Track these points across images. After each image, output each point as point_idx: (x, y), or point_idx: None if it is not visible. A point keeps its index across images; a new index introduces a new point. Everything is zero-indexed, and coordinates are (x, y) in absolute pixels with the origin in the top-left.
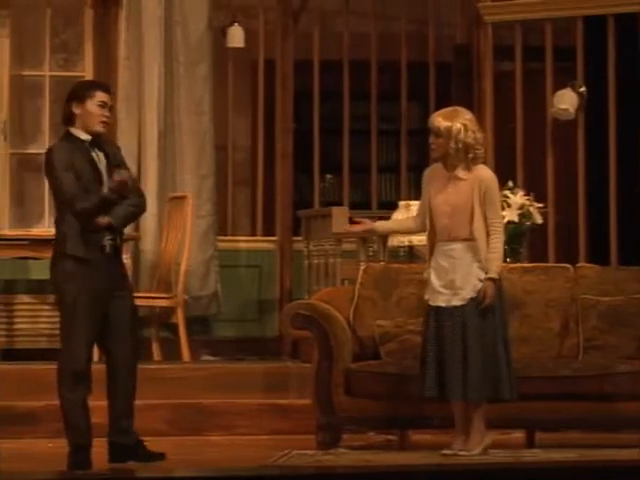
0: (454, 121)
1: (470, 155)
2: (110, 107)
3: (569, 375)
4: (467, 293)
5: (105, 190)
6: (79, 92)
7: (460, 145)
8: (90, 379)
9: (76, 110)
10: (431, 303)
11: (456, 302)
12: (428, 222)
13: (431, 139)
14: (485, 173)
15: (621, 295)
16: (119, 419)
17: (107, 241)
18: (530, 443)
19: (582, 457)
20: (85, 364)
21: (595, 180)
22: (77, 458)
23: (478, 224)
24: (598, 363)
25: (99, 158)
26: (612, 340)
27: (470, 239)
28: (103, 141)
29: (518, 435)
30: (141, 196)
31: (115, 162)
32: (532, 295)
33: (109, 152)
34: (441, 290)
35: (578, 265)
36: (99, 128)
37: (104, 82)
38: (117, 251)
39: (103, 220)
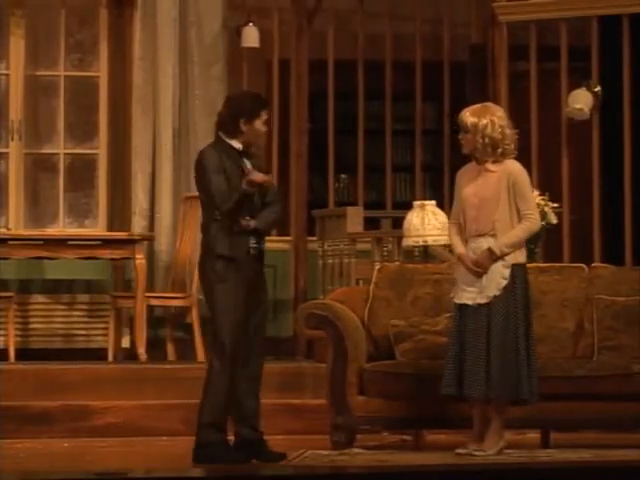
0: (481, 117)
1: (499, 150)
2: None
3: (584, 375)
4: (491, 291)
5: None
6: (248, 110)
7: (487, 140)
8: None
9: (243, 127)
10: (456, 301)
11: (481, 300)
12: (461, 217)
13: (460, 135)
14: (514, 166)
15: (636, 295)
16: (249, 416)
17: (252, 244)
18: (545, 443)
19: (597, 457)
20: (233, 358)
21: (610, 180)
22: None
23: (500, 216)
24: (613, 363)
25: (246, 166)
26: (627, 340)
27: (495, 234)
28: (250, 151)
29: (533, 435)
30: (281, 201)
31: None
32: (547, 295)
33: (253, 161)
34: (466, 288)
35: (593, 265)
36: (261, 143)
37: (263, 96)
38: (261, 254)
39: (249, 223)
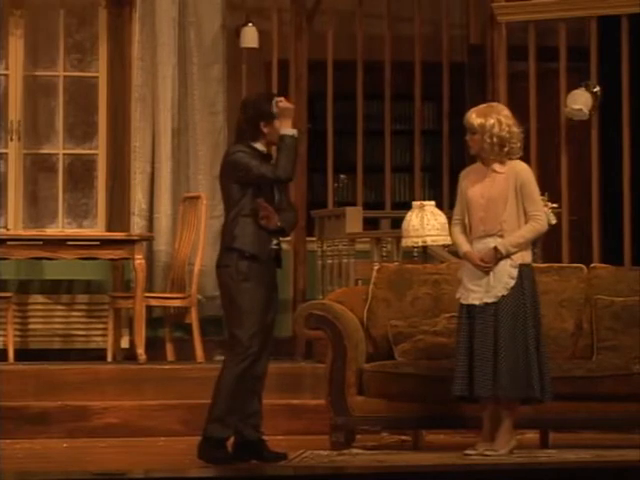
0: (488, 117)
1: (506, 149)
2: None
3: (583, 375)
4: (499, 290)
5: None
6: (266, 111)
7: (495, 140)
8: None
9: (265, 129)
10: (463, 302)
11: (488, 299)
12: (466, 217)
13: (467, 136)
14: (521, 167)
15: (635, 295)
16: (251, 415)
17: (274, 245)
18: (544, 443)
19: (596, 457)
20: (256, 356)
21: (609, 180)
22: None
23: (508, 217)
24: (612, 363)
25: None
26: (626, 340)
27: (502, 235)
28: (270, 152)
29: (532, 435)
30: (294, 210)
31: None
32: (546, 295)
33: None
34: (473, 288)
35: (592, 265)
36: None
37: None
38: (278, 256)
39: (277, 222)
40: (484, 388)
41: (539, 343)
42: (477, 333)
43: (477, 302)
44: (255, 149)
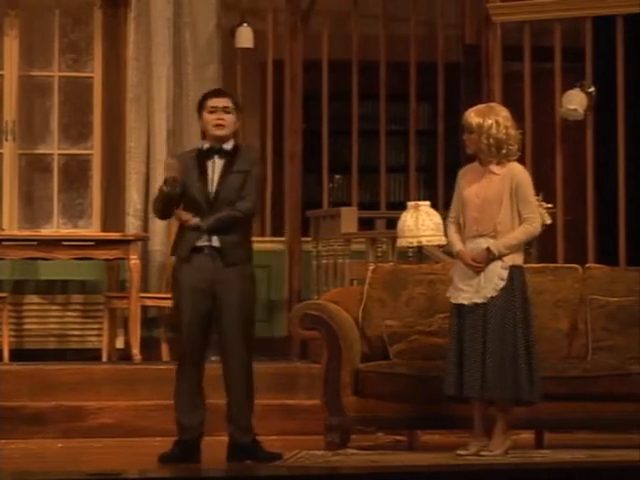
0: (486, 117)
1: (503, 151)
2: (226, 108)
3: (578, 375)
4: (488, 292)
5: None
6: (198, 108)
7: (492, 141)
8: (198, 375)
9: (201, 125)
10: (452, 301)
11: (477, 300)
12: (461, 217)
13: (464, 135)
14: (518, 169)
15: (630, 296)
16: (237, 417)
17: (202, 243)
18: (539, 444)
19: (591, 458)
20: (189, 357)
21: (604, 180)
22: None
23: (502, 218)
24: (607, 363)
25: (214, 164)
26: (621, 340)
27: (495, 236)
28: (231, 148)
29: (527, 436)
30: (251, 202)
31: (238, 169)
32: (541, 295)
33: (237, 159)
34: (463, 288)
35: (587, 266)
36: (215, 132)
37: (219, 89)
38: (220, 251)
39: (190, 220)
40: (472, 389)
41: (529, 344)
42: (466, 333)
43: (466, 302)
44: (198, 149)
